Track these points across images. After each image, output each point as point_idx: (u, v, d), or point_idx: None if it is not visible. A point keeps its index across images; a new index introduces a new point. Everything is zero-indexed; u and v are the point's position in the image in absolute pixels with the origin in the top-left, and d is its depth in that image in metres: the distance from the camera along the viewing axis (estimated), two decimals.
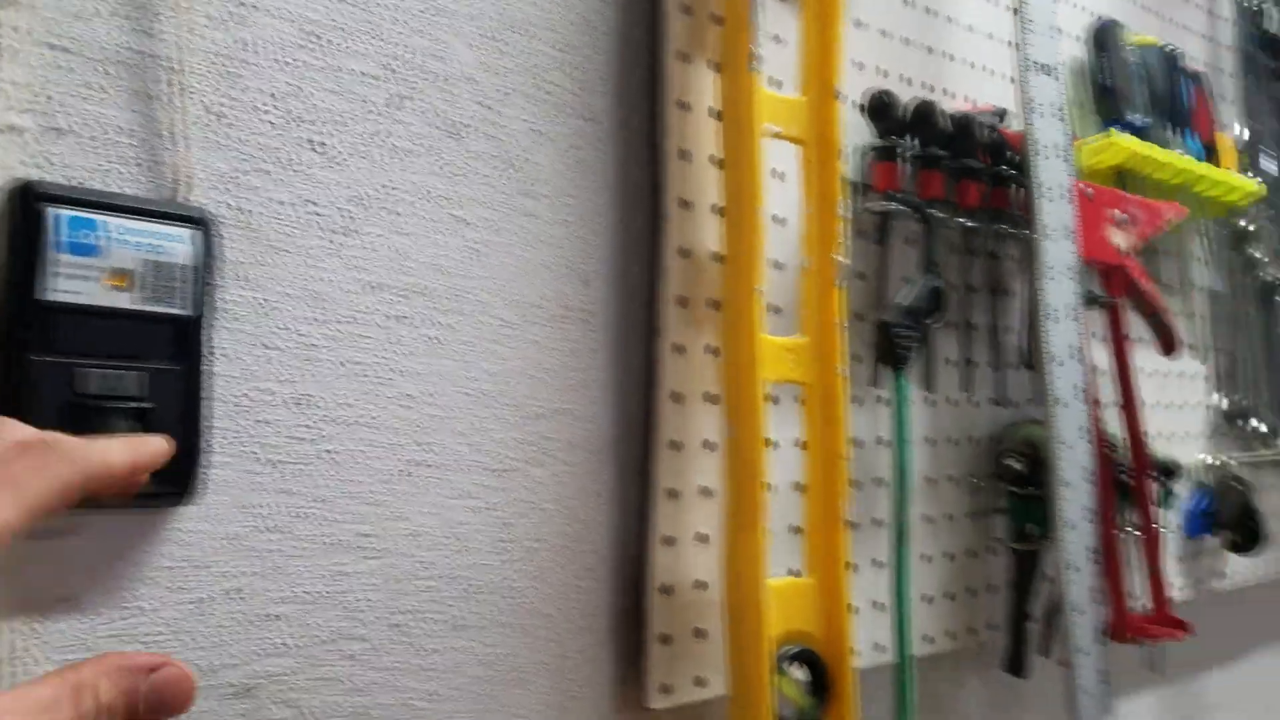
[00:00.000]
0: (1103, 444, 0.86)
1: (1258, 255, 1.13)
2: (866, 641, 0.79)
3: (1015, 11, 0.82)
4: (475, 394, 0.64)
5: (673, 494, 0.70)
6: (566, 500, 0.67)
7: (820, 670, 0.69)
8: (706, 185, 0.72)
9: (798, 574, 0.73)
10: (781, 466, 0.74)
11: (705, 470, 0.71)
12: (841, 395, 0.68)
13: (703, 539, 0.71)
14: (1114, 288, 0.89)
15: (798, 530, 0.74)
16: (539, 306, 0.67)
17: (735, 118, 0.68)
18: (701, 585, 0.70)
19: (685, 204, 0.71)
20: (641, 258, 0.71)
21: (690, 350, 0.71)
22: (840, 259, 0.69)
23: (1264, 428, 1.13)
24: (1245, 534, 1.04)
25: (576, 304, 0.68)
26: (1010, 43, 0.93)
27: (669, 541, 0.69)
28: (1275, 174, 1.13)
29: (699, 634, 0.70)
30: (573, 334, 0.68)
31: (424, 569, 0.60)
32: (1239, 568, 1.12)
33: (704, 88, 0.72)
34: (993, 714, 0.93)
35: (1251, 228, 1.12)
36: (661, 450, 0.69)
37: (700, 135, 0.72)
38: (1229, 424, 1.12)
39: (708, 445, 0.71)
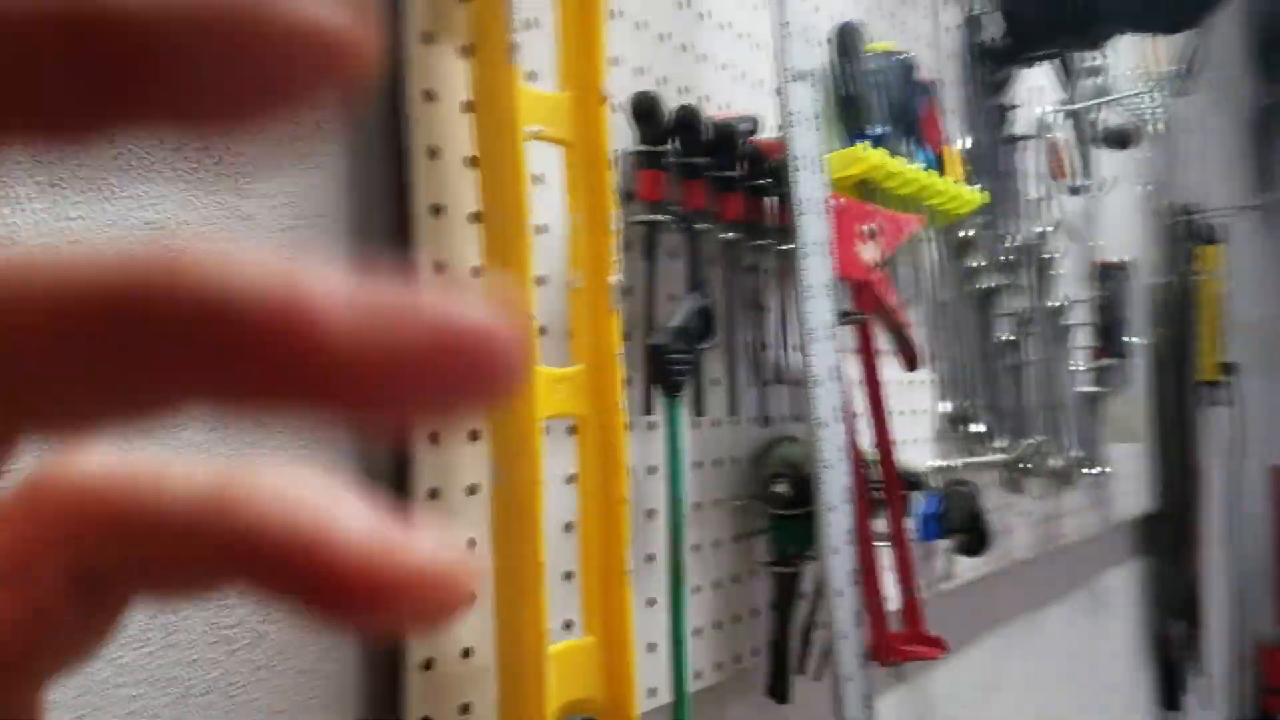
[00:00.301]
0: (858, 462, 0.85)
1: (976, 264, 1.18)
2: (640, 688, 0.72)
3: (772, 14, 0.79)
4: (184, 448, 0.51)
5: None
6: None
7: None
8: (460, 188, 0.62)
9: (570, 624, 0.66)
10: (551, 506, 0.66)
11: (469, 520, 0.62)
12: (622, 432, 0.61)
13: (469, 599, 0.61)
14: (864, 303, 0.88)
15: (569, 576, 0.66)
16: None
17: (494, 115, 0.59)
18: (469, 654, 0.61)
19: (437, 210, 0.61)
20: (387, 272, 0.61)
21: None
22: (615, 279, 0.62)
23: (982, 429, 1.19)
24: (974, 537, 1.08)
25: None
26: (761, 45, 0.90)
27: None
28: (990, 186, 1.19)
29: (465, 710, 0.61)
30: None
31: (122, 673, 0.47)
32: (963, 566, 1.16)
33: (453, 76, 0.62)
34: None
35: (970, 236, 1.17)
36: (419, 500, 0.59)
37: (451, 131, 0.62)
38: (952, 428, 1.17)
39: (472, 491, 0.62)
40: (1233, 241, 2.25)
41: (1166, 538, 1.85)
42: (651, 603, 0.74)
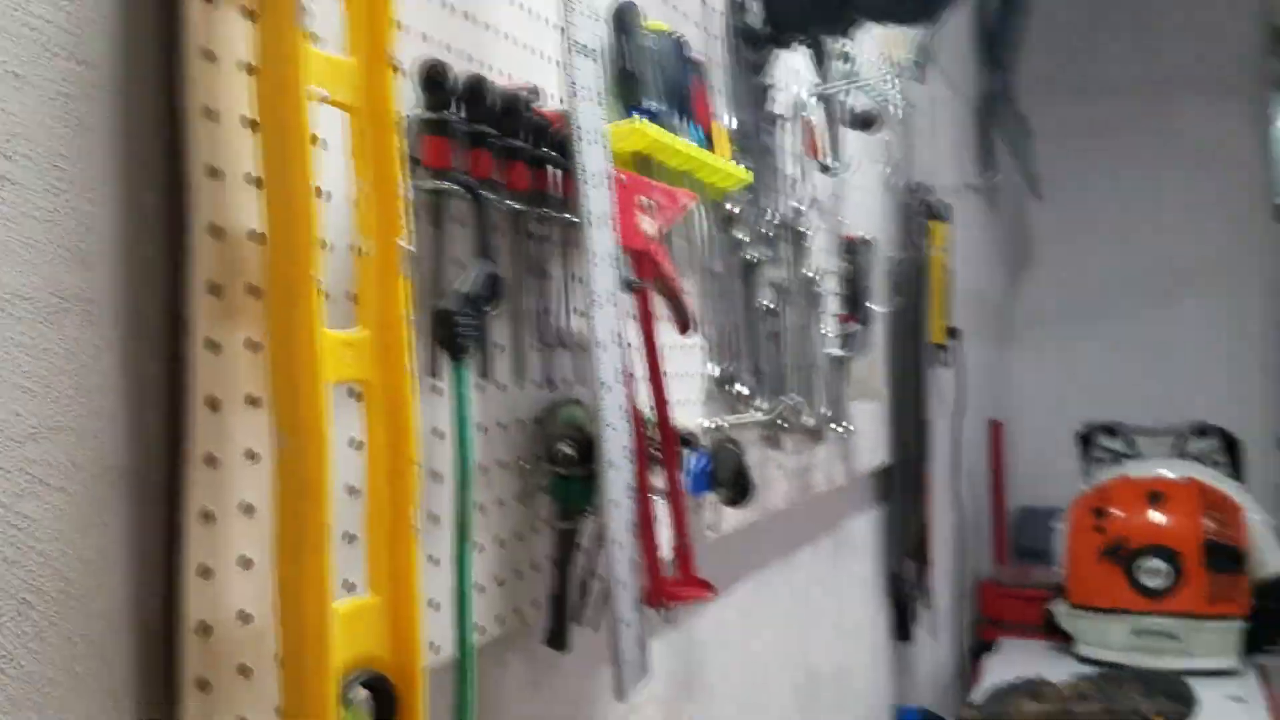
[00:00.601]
0: (637, 421, 0.90)
1: (741, 237, 1.25)
2: (430, 642, 0.74)
3: None
4: None
5: (208, 516, 0.59)
6: (68, 538, 0.54)
7: (388, 694, 0.63)
8: (239, 151, 0.61)
9: (353, 586, 0.67)
10: (334, 469, 0.66)
11: (248, 485, 0.61)
12: (411, 397, 0.62)
13: (247, 564, 0.61)
14: (643, 272, 0.93)
15: (351, 538, 0.67)
16: (24, 297, 0.52)
17: (278, 78, 0.58)
18: (247, 617, 0.61)
19: (214, 172, 0.60)
20: (158, 235, 0.59)
21: (227, 346, 0.60)
22: (405, 245, 0.62)
23: (746, 390, 1.27)
24: (738, 490, 1.16)
25: (74, 292, 0.55)
26: (542, 17, 0.92)
27: (205, 572, 0.59)
28: (753, 163, 1.26)
29: (244, 672, 0.61)
30: (70, 330, 0.54)
31: None
32: (729, 516, 1.25)
33: (232, 36, 0.61)
34: (535, 690, 0.94)
35: (736, 211, 1.24)
36: (194, 466, 0.58)
37: (230, 92, 0.61)
38: (719, 389, 1.24)
39: (250, 456, 0.61)
40: (957, 218, 2.48)
41: (900, 486, 2.04)
42: (435, 561, 0.76)
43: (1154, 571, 2.33)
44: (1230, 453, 2.60)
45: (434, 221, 0.74)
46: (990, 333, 3.25)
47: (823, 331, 1.55)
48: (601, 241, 0.79)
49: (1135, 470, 2.47)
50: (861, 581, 1.93)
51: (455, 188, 0.73)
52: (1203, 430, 2.61)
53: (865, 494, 1.96)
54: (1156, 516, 2.35)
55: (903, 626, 2.09)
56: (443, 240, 0.75)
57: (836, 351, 1.61)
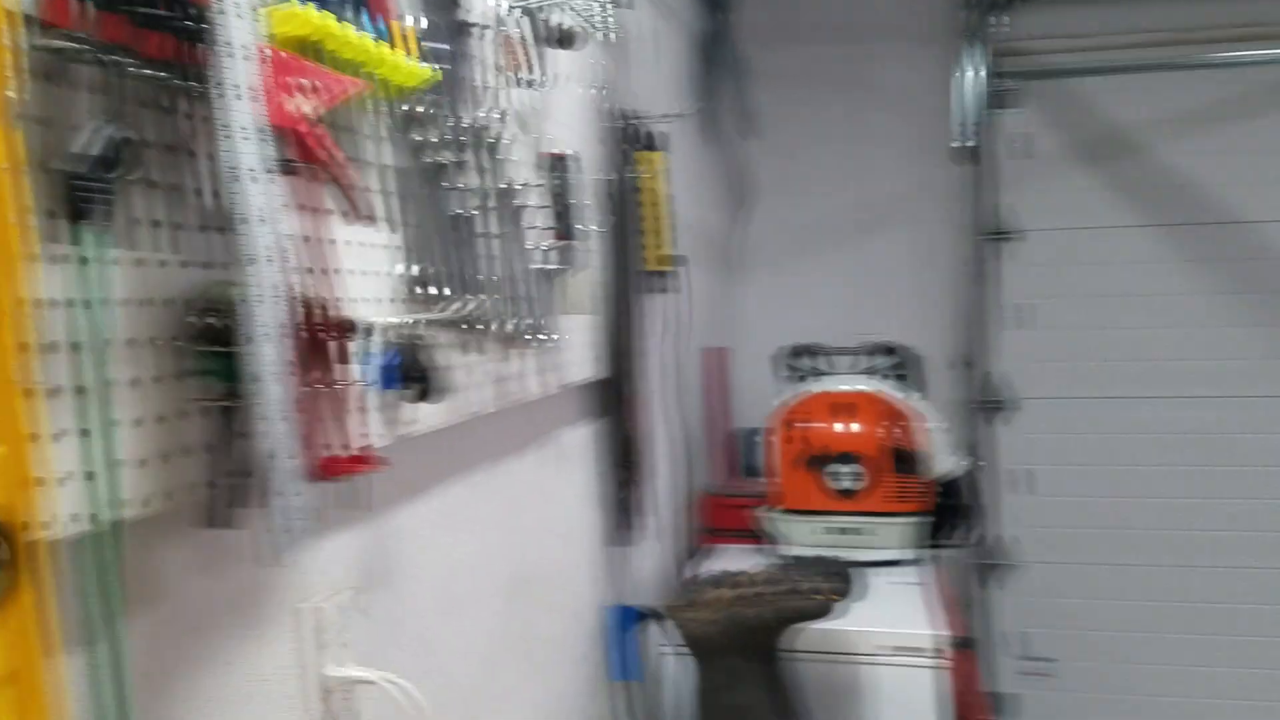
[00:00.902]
0: (294, 305, 0.92)
1: (427, 139, 1.28)
2: (66, 512, 0.74)
3: None
4: None
5: None
6: None
7: (3, 543, 0.63)
8: None
9: None
10: None
11: None
12: (17, 250, 0.62)
13: None
14: (301, 154, 0.94)
15: None
16: None
17: None
18: None
19: None
20: None
21: None
22: (8, 94, 0.62)
23: (438, 292, 1.31)
24: (425, 384, 1.20)
25: None
26: None
27: None
28: (443, 65, 1.29)
29: None
30: None
31: None
32: (426, 415, 1.29)
33: None
34: (206, 570, 0.95)
35: (419, 110, 1.26)
36: None
37: None
38: (412, 289, 1.27)
39: None
40: (678, 152, 2.61)
41: (615, 402, 2.15)
42: (78, 432, 0.75)
43: (844, 475, 2.58)
44: (911, 368, 2.90)
45: (59, 84, 0.72)
46: (716, 264, 3.43)
47: (529, 245, 1.60)
48: (239, 113, 0.80)
49: (825, 385, 2.71)
50: (576, 489, 2.03)
51: (79, 47, 0.72)
52: (885, 349, 2.89)
53: (580, 406, 2.05)
54: (844, 427, 2.60)
55: (619, 533, 2.22)
56: (69, 105, 0.74)
57: (544, 265, 1.67)
